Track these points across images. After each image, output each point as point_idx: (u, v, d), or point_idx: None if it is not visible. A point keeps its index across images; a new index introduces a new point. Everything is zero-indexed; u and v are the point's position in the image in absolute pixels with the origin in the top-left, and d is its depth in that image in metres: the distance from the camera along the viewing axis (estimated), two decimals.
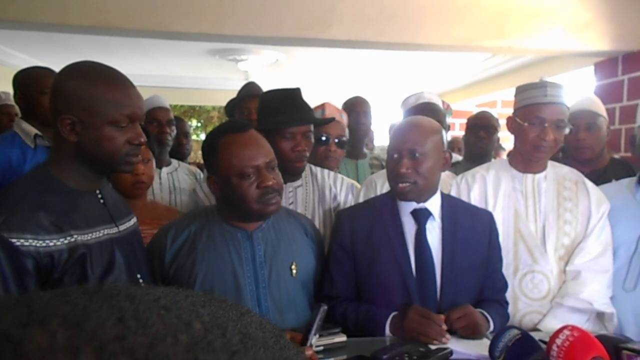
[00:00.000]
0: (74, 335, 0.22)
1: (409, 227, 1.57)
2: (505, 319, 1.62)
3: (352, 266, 1.58)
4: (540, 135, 1.68)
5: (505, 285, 1.67)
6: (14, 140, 2.06)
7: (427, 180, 1.53)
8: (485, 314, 1.51)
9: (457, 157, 3.11)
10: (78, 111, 1.13)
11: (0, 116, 2.90)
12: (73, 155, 1.18)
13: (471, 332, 1.42)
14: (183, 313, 0.25)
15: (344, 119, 2.28)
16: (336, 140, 2.16)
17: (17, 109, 2.40)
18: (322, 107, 2.25)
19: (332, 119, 2.12)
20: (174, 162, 2.57)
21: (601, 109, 2.29)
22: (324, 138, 2.14)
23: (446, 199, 1.64)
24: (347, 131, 2.28)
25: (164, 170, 2.46)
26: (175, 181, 2.47)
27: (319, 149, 2.15)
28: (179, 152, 2.90)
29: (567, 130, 1.74)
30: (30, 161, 2.00)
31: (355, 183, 2.29)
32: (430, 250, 1.54)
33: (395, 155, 1.54)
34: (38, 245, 1.07)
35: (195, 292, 0.29)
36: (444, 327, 1.38)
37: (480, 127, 2.88)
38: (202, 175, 2.58)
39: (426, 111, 2.05)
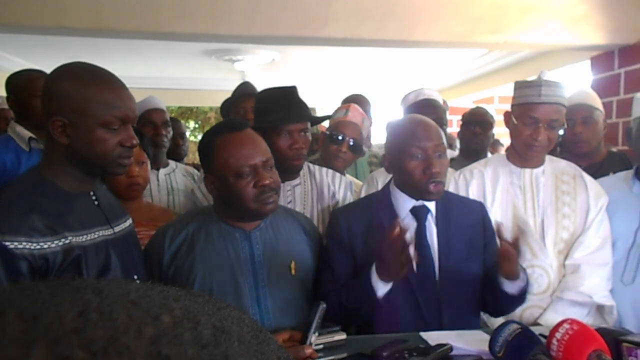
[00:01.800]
0: (28, 328, 0.21)
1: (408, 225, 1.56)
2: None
3: (351, 263, 1.57)
4: (533, 134, 1.68)
5: None
6: (8, 144, 2.05)
7: (446, 178, 1.54)
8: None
9: (453, 153, 3.11)
10: (69, 113, 1.13)
11: None
12: (65, 158, 1.17)
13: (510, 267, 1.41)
14: (152, 307, 0.24)
15: (366, 124, 2.25)
16: (350, 142, 2.13)
17: (12, 113, 2.40)
18: (347, 107, 2.22)
19: (329, 116, 2.11)
20: (172, 163, 2.56)
21: (597, 102, 2.28)
22: (340, 137, 2.12)
23: None
24: (364, 137, 2.25)
25: (162, 171, 2.45)
26: (173, 182, 2.46)
27: (331, 147, 2.14)
28: (176, 153, 2.89)
29: (561, 131, 1.74)
30: (25, 164, 2.00)
31: (355, 180, 2.29)
32: (430, 247, 1.54)
33: (419, 156, 1.49)
34: (32, 247, 1.06)
35: (172, 288, 0.28)
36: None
37: (476, 122, 2.88)
38: (198, 175, 2.57)
39: (427, 107, 2.05)
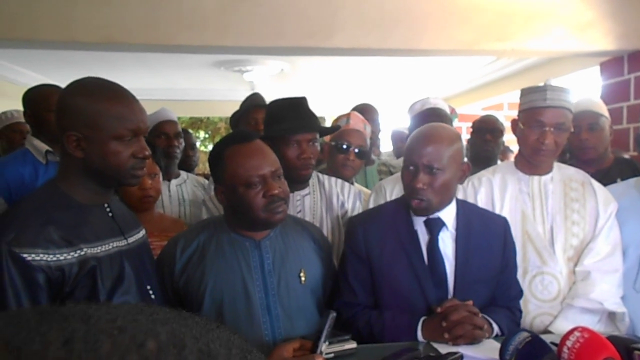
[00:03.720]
0: None
1: (423, 236, 1.55)
2: (515, 324, 1.58)
3: (369, 272, 1.57)
4: (540, 138, 1.68)
5: (520, 293, 1.64)
6: (25, 157, 2.09)
7: (442, 196, 1.50)
8: (488, 318, 1.47)
9: None
10: (83, 127, 1.16)
11: (13, 134, 2.93)
12: (80, 171, 1.20)
13: (469, 338, 1.39)
14: (139, 333, 0.24)
15: (368, 130, 2.27)
16: (356, 150, 2.16)
17: (28, 126, 2.45)
18: (347, 116, 2.25)
19: (338, 127, 2.13)
20: (183, 174, 2.59)
21: (603, 109, 2.28)
22: (344, 146, 2.14)
23: (462, 207, 1.60)
24: (368, 142, 2.27)
25: (173, 182, 2.48)
26: (184, 193, 2.49)
27: (338, 157, 2.16)
28: (186, 163, 2.93)
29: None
30: (42, 177, 2.03)
31: (363, 189, 2.29)
32: (443, 261, 1.52)
33: (411, 168, 1.49)
34: (49, 259, 1.09)
35: (163, 309, 0.29)
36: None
37: (487, 130, 2.88)
38: (207, 184, 2.59)
39: (432, 116, 2.05)
